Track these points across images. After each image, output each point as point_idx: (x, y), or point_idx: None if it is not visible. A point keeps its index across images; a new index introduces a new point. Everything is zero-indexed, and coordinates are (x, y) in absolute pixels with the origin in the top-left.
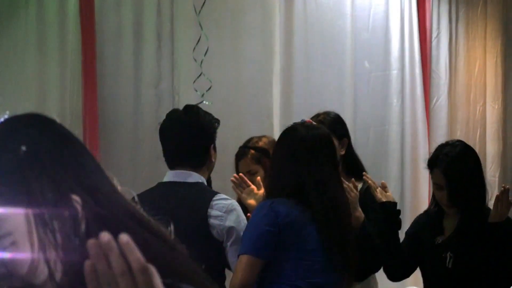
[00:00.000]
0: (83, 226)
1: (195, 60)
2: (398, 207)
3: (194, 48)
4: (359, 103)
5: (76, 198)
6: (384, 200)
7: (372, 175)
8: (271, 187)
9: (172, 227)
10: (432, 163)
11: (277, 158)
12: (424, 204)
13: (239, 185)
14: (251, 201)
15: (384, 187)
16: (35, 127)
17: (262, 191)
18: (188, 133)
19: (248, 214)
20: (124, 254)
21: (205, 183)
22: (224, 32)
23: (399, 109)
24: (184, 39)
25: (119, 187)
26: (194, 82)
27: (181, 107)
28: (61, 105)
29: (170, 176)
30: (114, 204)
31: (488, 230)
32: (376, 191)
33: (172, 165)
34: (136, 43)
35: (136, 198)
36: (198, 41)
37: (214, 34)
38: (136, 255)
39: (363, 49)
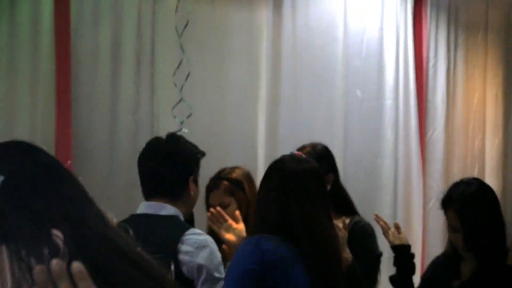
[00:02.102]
0: (65, 261)
1: (175, 85)
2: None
3: (175, 72)
4: (350, 135)
5: (57, 233)
6: (397, 243)
7: (362, 212)
8: (257, 222)
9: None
10: (446, 203)
11: (264, 191)
12: (418, 245)
13: (216, 221)
14: (230, 236)
15: (397, 228)
16: (16, 156)
17: (241, 225)
18: (166, 162)
19: (224, 246)
20: (76, 283)
21: (181, 218)
22: (207, 56)
23: (393, 141)
24: (165, 63)
25: (113, 221)
26: (173, 108)
27: (160, 134)
28: (31, 130)
29: (143, 207)
30: (102, 240)
31: (507, 274)
32: (388, 233)
33: (147, 196)
34: (114, 65)
35: (131, 233)
36: (179, 64)
37: (197, 57)
38: (87, 284)
39: (355, 77)
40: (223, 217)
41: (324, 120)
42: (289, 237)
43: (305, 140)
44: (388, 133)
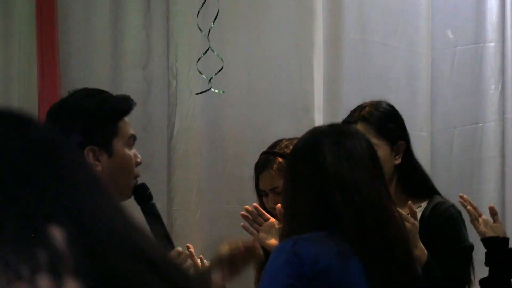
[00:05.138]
0: (66, 271)
1: (200, 29)
2: None
3: (199, 12)
4: (439, 91)
5: (55, 231)
6: (490, 234)
7: (456, 195)
8: (289, 218)
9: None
10: None
11: (295, 175)
12: None
13: (253, 222)
14: (273, 242)
15: (493, 214)
16: None
17: None
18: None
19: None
20: None
21: None
22: None
23: (498, 99)
24: None
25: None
26: (198, 61)
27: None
28: (5, 97)
29: None
30: (116, 239)
31: None
32: (479, 221)
33: None
34: (115, 3)
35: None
36: (205, 1)
37: None
38: None
39: (444, 13)
40: (262, 215)
41: (403, 72)
42: (335, 232)
43: (377, 99)
44: (492, 88)
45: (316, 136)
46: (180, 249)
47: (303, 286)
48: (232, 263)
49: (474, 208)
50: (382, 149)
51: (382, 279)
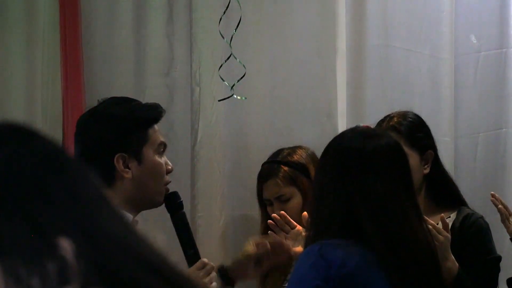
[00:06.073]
0: (75, 283)
1: (222, 35)
2: None
3: (221, 19)
4: (462, 97)
5: (65, 243)
6: None
7: (479, 202)
8: (316, 222)
9: None
10: None
11: (320, 180)
12: None
13: (280, 230)
14: (300, 249)
15: None
16: (4, 144)
17: None
18: (81, 138)
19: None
20: None
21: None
22: None
23: None
24: (207, 6)
25: (136, 226)
26: (220, 67)
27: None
28: (29, 104)
29: None
30: (124, 250)
31: None
32: (509, 221)
33: None
34: (138, 10)
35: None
36: (227, 7)
37: None
38: None
39: (468, 17)
40: (289, 223)
41: (425, 78)
42: (361, 241)
43: (399, 105)
44: None
45: (342, 138)
46: (205, 260)
47: None
48: (258, 261)
49: (505, 207)
50: (412, 159)
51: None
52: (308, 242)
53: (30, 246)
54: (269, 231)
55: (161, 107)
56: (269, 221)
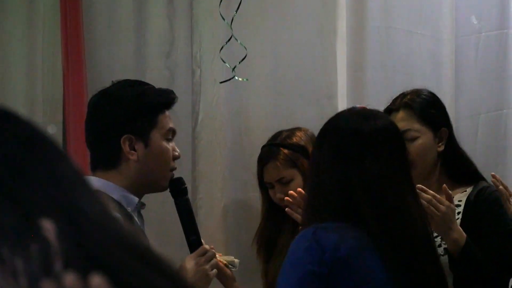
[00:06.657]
0: (58, 263)
1: (223, 17)
2: None
3: (221, 0)
4: (463, 78)
5: (47, 224)
6: None
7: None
8: (311, 205)
9: None
10: None
11: (316, 162)
12: None
13: (297, 207)
14: None
15: None
16: None
17: None
18: (90, 119)
19: None
20: None
21: (114, 193)
22: None
23: None
24: None
25: (112, 209)
26: (221, 49)
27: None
28: (29, 87)
29: None
30: (104, 231)
31: None
32: (510, 202)
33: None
34: None
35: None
36: None
37: None
38: None
39: (469, 0)
40: None
41: (426, 59)
42: (357, 223)
43: (401, 87)
44: None
45: (338, 119)
46: (207, 246)
47: (324, 273)
48: None
49: (506, 188)
50: (426, 136)
51: (404, 273)
52: (303, 224)
53: (13, 227)
54: (286, 209)
55: (174, 94)
56: (286, 198)
